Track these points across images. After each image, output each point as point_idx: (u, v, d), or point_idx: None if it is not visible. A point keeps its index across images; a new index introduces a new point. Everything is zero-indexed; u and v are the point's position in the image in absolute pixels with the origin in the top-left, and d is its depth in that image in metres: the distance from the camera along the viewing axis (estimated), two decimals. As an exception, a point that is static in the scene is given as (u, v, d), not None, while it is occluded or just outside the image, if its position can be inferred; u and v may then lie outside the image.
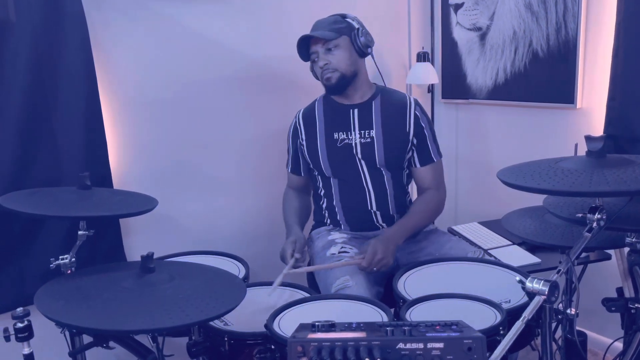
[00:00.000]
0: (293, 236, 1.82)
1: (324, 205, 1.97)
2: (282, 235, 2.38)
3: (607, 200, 1.27)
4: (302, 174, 2.03)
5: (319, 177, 1.96)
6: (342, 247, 1.81)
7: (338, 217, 1.94)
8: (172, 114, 2.11)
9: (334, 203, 1.93)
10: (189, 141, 2.16)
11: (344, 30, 1.83)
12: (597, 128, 2.09)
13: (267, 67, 2.29)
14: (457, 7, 2.54)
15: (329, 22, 1.86)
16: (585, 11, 2.10)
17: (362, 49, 1.85)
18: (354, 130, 1.89)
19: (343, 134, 1.89)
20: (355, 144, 1.88)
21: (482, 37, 2.46)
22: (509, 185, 1.22)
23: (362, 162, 1.88)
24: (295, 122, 1.99)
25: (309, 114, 1.97)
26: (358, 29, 1.85)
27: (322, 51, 1.83)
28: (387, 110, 1.90)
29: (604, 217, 1.19)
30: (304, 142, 1.94)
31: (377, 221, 1.90)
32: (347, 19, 1.87)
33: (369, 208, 1.90)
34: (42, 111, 1.80)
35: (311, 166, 1.97)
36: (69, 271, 1.53)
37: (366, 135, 1.88)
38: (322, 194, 1.97)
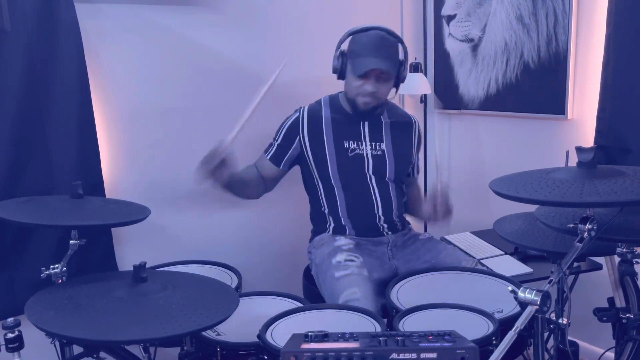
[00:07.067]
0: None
1: (326, 211, 1.94)
2: (274, 243, 2.38)
3: (598, 211, 1.28)
4: (281, 167, 1.94)
5: (321, 184, 1.92)
6: (347, 255, 1.80)
7: (343, 223, 1.91)
8: (165, 123, 2.11)
9: (339, 211, 1.91)
10: (182, 150, 2.16)
11: (397, 64, 1.83)
12: (588, 139, 2.11)
13: (261, 77, 2.28)
14: (450, 18, 2.57)
15: (391, 49, 1.81)
16: (575, 23, 2.13)
17: (398, 83, 1.89)
18: (365, 140, 1.90)
19: (353, 143, 1.88)
20: (367, 154, 1.89)
21: (474, 49, 2.49)
22: (501, 195, 1.23)
23: (372, 174, 1.89)
24: (298, 117, 1.92)
25: (314, 114, 1.92)
26: (403, 62, 1.85)
27: (375, 78, 1.80)
28: (395, 127, 1.96)
29: (595, 227, 1.20)
30: (308, 144, 1.89)
31: (383, 228, 1.92)
32: (399, 46, 1.84)
33: (376, 217, 1.91)
34: (35, 120, 1.80)
35: (314, 170, 1.92)
36: (60, 280, 1.52)
37: (377, 148, 1.90)
38: (323, 199, 1.94)
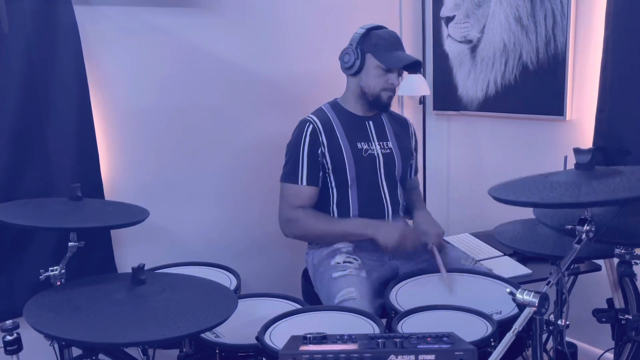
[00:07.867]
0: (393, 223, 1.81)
1: (336, 216, 1.91)
2: (273, 245, 2.38)
3: (596, 213, 1.28)
4: (319, 185, 1.87)
5: (335, 187, 1.89)
6: (347, 257, 1.80)
7: None
8: (164, 125, 2.11)
9: (350, 214, 1.89)
10: (181, 152, 2.16)
11: None
12: (587, 140, 2.11)
13: (259, 78, 2.30)
14: (448, 20, 2.57)
15: None
16: (574, 25, 2.13)
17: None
18: (373, 140, 1.93)
19: (365, 144, 1.91)
20: (377, 154, 1.92)
21: (473, 50, 2.49)
22: (500, 200, 1.22)
23: (383, 173, 1.92)
24: (314, 128, 1.85)
25: (325, 121, 1.88)
26: None
27: (398, 71, 1.89)
28: (395, 126, 2.02)
29: (593, 229, 1.20)
30: (327, 151, 1.85)
31: None
32: None
33: (386, 219, 1.91)
34: (35, 122, 1.80)
35: (331, 177, 1.88)
36: (59, 283, 1.52)
37: (385, 146, 1.94)
38: (334, 205, 1.90)
